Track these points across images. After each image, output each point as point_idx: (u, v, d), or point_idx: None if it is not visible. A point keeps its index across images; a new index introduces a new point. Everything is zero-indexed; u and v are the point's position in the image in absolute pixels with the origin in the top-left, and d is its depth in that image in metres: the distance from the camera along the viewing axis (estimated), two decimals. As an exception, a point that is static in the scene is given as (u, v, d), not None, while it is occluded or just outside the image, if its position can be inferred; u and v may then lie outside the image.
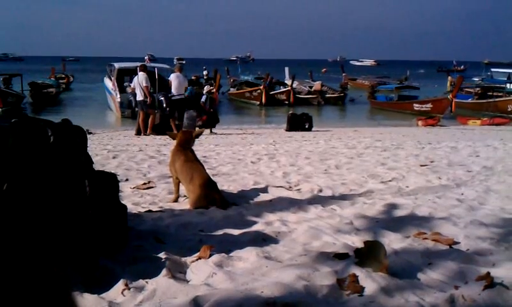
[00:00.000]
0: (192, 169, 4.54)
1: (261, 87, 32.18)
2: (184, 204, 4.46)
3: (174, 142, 4.86)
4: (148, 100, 14.66)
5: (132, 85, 15.66)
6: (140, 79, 14.64)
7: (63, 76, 43.23)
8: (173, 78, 15.44)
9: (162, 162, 7.19)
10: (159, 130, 14.59)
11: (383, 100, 31.48)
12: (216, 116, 16.61)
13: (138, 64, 16.20)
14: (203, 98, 16.68)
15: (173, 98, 15.09)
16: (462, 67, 54.25)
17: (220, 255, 2.81)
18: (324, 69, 72.80)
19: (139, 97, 14.74)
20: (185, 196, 4.64)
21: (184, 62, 72.29)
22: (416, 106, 27.32)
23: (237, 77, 40.71)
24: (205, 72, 41.51)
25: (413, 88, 33.76)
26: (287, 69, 41.81)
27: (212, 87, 19.80)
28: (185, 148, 4.73)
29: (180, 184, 4.65)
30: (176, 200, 4.61)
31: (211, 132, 15.74)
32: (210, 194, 4.34)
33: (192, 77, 39.05)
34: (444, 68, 61.66)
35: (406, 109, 28.13)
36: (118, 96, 21.61)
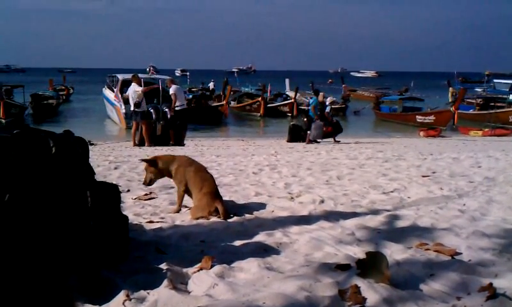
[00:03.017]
0: (204, 178, 4.57)
1: (259, 98, 32.31)
2: (186, 215, 4.46)
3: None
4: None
5: (126, 93, 15.78)
6: (132, 90, 14.71)
7: (63, 88, 43.45)
8: (176, 90, 15.50)
9: (163, 173, 7.19)
10: (160, 141, 14.61)
11: (387, 111, 31.51)
12: (339, 126, 16.99)
13: (141, 75, 16.27)
14: (328, 109, 17.04)
15: (176, 108, 15.12)
16: (485, 79, 53.73)
17: (221, 266, 2.81)
18: (330, 80, 73.02)
19: (133, 107, 14.80)
20: (185, 206, 4.64)
21: (187, 74, 72.58)
22: (419, 118, 27.34)
23: (237, 88, 40.83)
24: (211, 84, 41.53)
25: (417, 100, 33.76)
26: (287, 80, 41.91)
27: (334, 98, 20.19)
28: (188, 159, 4.77)
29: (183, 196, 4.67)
30: (178, 211, 4.60)
31: (335, 140, 16.10)
32: (213, 203, 4.34)
33: (192, 89, 39.23)
34: (468, 78, 61.53)
35: (409, 120, 28.14)
36: (123, 107, 21.64)
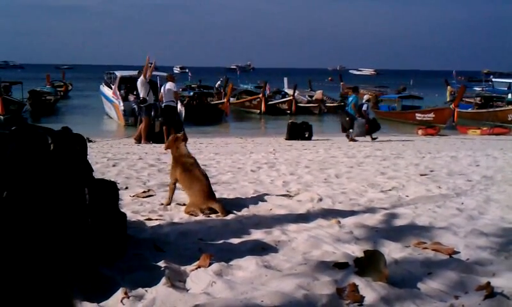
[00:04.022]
0: (192, 178, 4.61)
1: (260, 95, 32.33)
2: (183, 212, 4.47)
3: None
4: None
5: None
6: (139, 83, 14.69)
7: (61, 84, 43.41)
8: (168, 86, 15.34)
9: (162, 170, 7.19)
10: (158, 138, 14.56)
11: (386, 109, 31.48)
12: (376, 123, 17.03)
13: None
14: (365, 107, 17.04)
15: (165, 105, 14.92)
16: (491, 77, 53.42)
17: (220, 264, 2.81)
18: (330, 78, 73.04)
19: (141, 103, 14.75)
20: (185, 204, 4.65)
21: (187, 70, 72.25)
22: (419, 116, 27.28)
23: (236, 86, 40.77)
24: (218, 83, 41.36)
25: (415, 98, 33.70)
26: (285, 79, 41.90)
27: (370, 96, 20.20)
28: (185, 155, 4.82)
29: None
30: (168, 204, 4.72)
31: (372, 138, 16.05)
32: (206, 202, 4.37)
33: (192, 86, 39.14)
34: (474, 78, 61.52)
35: (408, 118, 28.08)
36: (121, 104, 21.57)
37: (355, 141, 15.57)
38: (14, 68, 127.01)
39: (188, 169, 4.66)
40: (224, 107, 28.12)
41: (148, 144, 13.63)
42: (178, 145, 4.83)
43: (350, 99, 17.12)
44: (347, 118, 16.37)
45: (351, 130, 16.05)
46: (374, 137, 16.18)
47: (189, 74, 55.68)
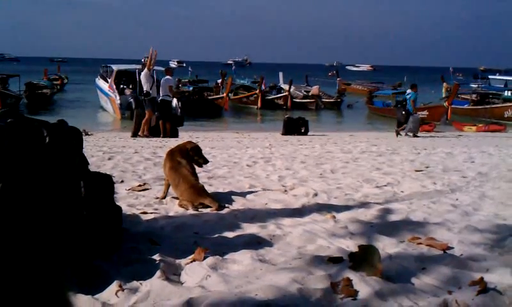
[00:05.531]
0: (179, 175, 4.65)
1: (257, 91, 32.37)
2: (178, 206, 4.48)
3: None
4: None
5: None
6: (143, 76, 14.58)
7: (57, 77, 43.25)
8: (165, 80, 15.26)
9: (157, 164, 7.18)
10: (155, 132, 14.52)
11: (380, 105, 31.48)
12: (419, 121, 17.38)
13: (136, 66, 16.11)
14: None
15: (161, 99, 14.84)
16: (497, 74, 53.00)
17: (214, 257, 2.81)
18: (331, 73, 73.01)
19: (144, 96, 14.63)
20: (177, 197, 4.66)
21: (184, 65, 72.06)
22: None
23: (233, 81, 40.73)
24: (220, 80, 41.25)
25: None
26: (280, 74, 41.91)
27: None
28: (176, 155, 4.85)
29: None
30: (163, 198, 4.75)
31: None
32: (197, 198, 4.40)
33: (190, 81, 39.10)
34: (479, 75, 61.69)
35: None
36: (118, 98, 21.51)
37: (417, 136, 15.82)
38: (10, 60, 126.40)
39: (175, 168, 4.68)
40: (224, 102, 28.08)
41: (144, 138, 13.60)
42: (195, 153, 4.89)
43: (409, 96, 17.24)
44: (403, 113, 16.61)
45: (405, 125, 16.28)
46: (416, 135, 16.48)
47: (190, 69, 55.47)
